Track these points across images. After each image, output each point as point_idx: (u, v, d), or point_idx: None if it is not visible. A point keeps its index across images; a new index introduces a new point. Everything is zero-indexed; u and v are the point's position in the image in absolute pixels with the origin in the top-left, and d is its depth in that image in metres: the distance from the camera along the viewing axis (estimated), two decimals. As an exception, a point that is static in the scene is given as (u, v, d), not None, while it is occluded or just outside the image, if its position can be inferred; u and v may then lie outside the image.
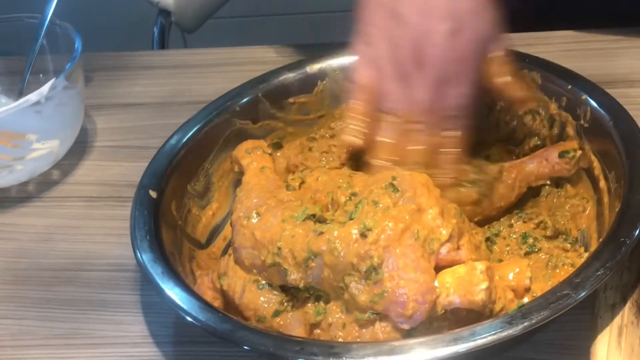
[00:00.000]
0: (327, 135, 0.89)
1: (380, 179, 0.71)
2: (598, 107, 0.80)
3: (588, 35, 1.05)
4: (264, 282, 0.72)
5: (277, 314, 0.71)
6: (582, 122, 0.81)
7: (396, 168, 0.73)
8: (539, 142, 0.85)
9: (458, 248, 0.68)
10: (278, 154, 0.90)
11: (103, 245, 0.89)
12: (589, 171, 0.80)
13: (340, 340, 0.68)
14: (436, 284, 0.66)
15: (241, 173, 0.81)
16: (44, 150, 0.95)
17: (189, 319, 0.69)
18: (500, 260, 0.77)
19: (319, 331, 0.69)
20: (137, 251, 0.75)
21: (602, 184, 0.78)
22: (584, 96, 0.82)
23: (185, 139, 0.87)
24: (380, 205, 0.68)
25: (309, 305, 0.70)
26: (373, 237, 0.66)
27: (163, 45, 1.52)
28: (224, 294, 0.74)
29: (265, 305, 0.71)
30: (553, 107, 0.84)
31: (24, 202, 0.97)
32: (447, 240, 0.67)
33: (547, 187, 0.83)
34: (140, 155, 0.99)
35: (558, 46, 1.03)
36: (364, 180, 0.73)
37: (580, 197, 0.81)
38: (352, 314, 0.68)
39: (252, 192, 0.75)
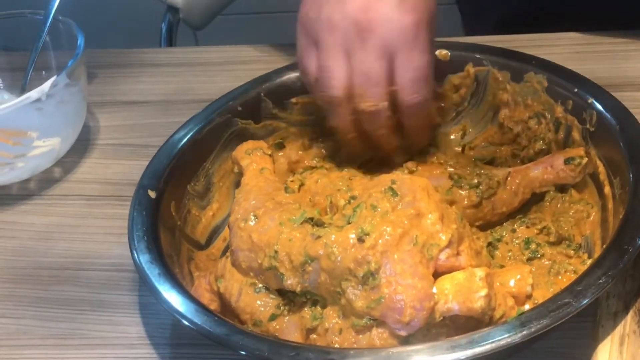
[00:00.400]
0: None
1: (379, 182, 0.70)
2: (604, 111, 0.79)
3: (596, 37, 1.04)
4: (260, 285, 0.71)
5: (273, 318, 0.70)
6: (588, 126, 0.80)
7: (397, 173, 0.72)
8: (544, 147, 0.84)
9: (458, 254, 0.67)
10: (280, 154, 0.89)
11: (103, 244, 0.89)
12: (594, 176, 0.79)
13: (336, 346, 0.67)
14: (435, 290, 0.65)
15: (241, 174, 0.80)
16: (45, 147, 0.94)
17: (184, 322, 0.68)
18: (502, 266, 0.76)
19: (315, 336, 0.68)
20: (134, 252, 0.75)
21: (607, 189, 0.77)
22: (590, 100, 0.80)
23: (186, 139, 0.86)
24: (379, 209, 0.67)
25: (306, 309, 0.69)
26: (370, 242, 0.65)
27: (171, 42, 1.51)
28: (221, 297, 0.73)
29: (262, 309, 0.70)
30: (559, 111, 0.83)
31: (24, 200, 0.96)
32: (447, 246, 0.66)
33: (551, 192, 0.81)
34: (142, 154, 0.98)
35: (566, 48, 1.02)
36: (364, 184, 0.72)
37: (585, 202, 0.79)
38: (349, 319, 0.67)
39: (251, 194, 0.74)
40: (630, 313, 0.68)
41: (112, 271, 0.85)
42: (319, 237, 0.67)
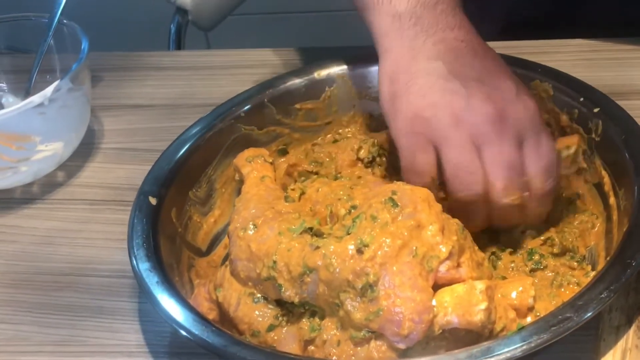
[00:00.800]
0: (330, 141, 0.88)
1: (380, 192, 0.69)
2: (610, 121, 0.78)
3: (604, 44, 1.03)
4: (259, 295, 0.70)
5: (271, 328, 0.69)
6: (593, 135, 0.79)
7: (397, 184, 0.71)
8: None
9: (458, 265, 0.67)
10: (282, 160, 0.89)
11: (104, 250, 0.88)
12: (599, 187, 0.78)
13: (334, 358, 0.66)
14: (434, 302, 0.64)
15: (242, 182, 0.80)
16: (48, 152, 0.94)
17: (181, 331, 0.68)
18: (504, 277, 0.75)
19: (313, 348, 0.68)
20: (134, 259, 0.74)
21: (612, 200, 0.76)
22: (596, 109, 0.80)
23: (188, 145, 0.85)
24: (379, 220, 0.66)
25: (304, 320, 0.69)
26: (369, 254, 0.64)
27: (179, 43, 1.51)
28: (219, 306, 0.73)
29: (260, 319, 0.70)
30: (564, 120, 0.82)
31: (27, 204, 0.96)
32: (447, 258, 0.66)
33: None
34: (145, 158, 0.97)
35: (573, 55, 1.01)
36: (365, 193, 0.71)
37: (590, 213, 0.79)
38: (348, 331, 0.66)
39: (251, 203, 0.74)
40: (633, 327, 0.68)
41: (113, 277, 0.85)
42: (317, 247, 0.66)
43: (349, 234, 0.67)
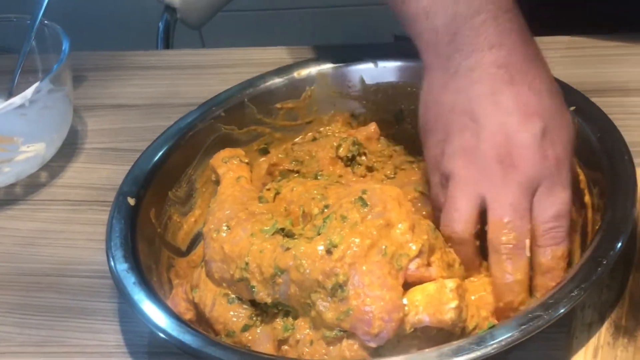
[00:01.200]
0: (310, 139, 0.88)
1: (351, 192, 0.69)
2: (586, 120, 0.78)
3: (585, 40, 1.03)
4: (233, 296, 0.71)
5: (246, 328, 0.70)
6: (569, 133, 0.79)
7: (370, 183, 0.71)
8: None
9: (429, 264, 0.67)
10: (263, 159, 0.89)
11: (85, 251, 0.88)
12: (574, 184, 0.78)
13: (307, 357, 0.66)
14: (405, 301, 0.65)
15: (219, 182, 0.80)
16: (30, 153, 0.95)
17: (157, 332, 0.68)
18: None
19: (287, 347, 0.68)
20: (111, 260, 0.75)
21: (586, 198, 0.76)
22: (572, 108, 0.80)
23: (167, 145, 0.86)
24: (348, 220, 0.67)
25: (278, 320, 0.69)
26: (338, 254, 0.65)
27: (168, 41, 1.51)
28: (196, 306, 0.73)
29: (235, 320, 0.70)
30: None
31: (10, 205, 0.96)
32: (417, 256, 0.66)
33: None
34: (127, 159, 0.97)
35: (553, 52, 1.01)
36: (338, 193, 0.71)
37: None
38: (320, 330, 0.66)
39: (225, 204, 0.74)
40: (606, 324, 0.68)
41: (94, 278, 0.85)
42: (288, 248, 0.66)
43: (319, 234, 0.67)
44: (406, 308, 0.64)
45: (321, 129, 0.93)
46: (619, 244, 0.67)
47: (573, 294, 0.64)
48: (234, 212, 0.72)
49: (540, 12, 1.04)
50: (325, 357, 0.66)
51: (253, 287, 0.68)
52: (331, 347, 0.66)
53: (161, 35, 1.51)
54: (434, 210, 0.75)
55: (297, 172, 0.87)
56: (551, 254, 0.69)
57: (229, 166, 0.79)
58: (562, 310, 0.63)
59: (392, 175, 0.83)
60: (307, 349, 0.67)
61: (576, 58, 1.00)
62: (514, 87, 0.70)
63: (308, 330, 0.67)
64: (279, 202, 0.74)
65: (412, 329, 0.65)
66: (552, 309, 0.63)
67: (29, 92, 0.89)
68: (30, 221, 0.94)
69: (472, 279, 0.71)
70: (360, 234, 0.65)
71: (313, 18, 2.26)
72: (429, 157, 0.74)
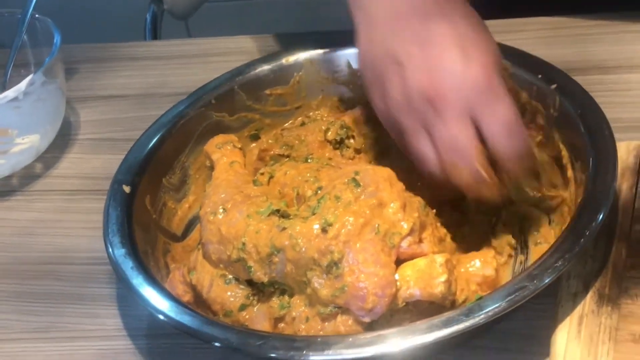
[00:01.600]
0: (299, 124, 0.90)
1: (343, 173, 0.72)
2: (567, 97, 0.81)
3: (564, 21, 1.05)
4: (230, 276, 0.73)
5: (243, 308, 0.72)
6: (551, 111, 0.81)
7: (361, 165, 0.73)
8: None
9: (420, 241, 0.69)
10: (253, 145, 0.91)
11: (82, 239, 0.90)
12: (557, 160, 0.81)
13: (303, 333, 0.69)
14: (397, 277, 0.67)
15: (212, 167, 0.82)
16: (25, 145, 0.96)
17: (157, 314, 0.70)
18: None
19: (283, 325, 0.70)
20: (109, 246, 0.76)
21: (569, 173, 0.78)
22: (554, 85, 0.82)
23: (160, 133, 0.88)
24: (342, 200, 0.69)
25: (274, 299, 0.71)
26: (333, 232, 0.67)
27: (156, 33, 1.53)
28: (193, 288, 0.75)
29: (232, 300, 0.72)
30: (524, 97, 0.84)
31: (7, 196, 0.98)
32: (408, 234, 0.68)
33: None
34: (121, 148, 0.99)
35: (534, 33, 1.03)
36: (330, 175, 0.74)
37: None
38: (315, 307, 0.69)
39: (220, 188, 0.76)
40: (590, 293, 0.70)
41: (92, 264, 0.87)
42: (284, 228, 0.69)
43: (314, 214, 0.69)
44: (398, 283, 0.67)
45: (310, 113, 0.94)
46: (601, 216, 0.69)
47: (557, 264, 0.66)
48: (229, 195, 0.74)
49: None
50: (321, 332, 0.68)
51: (250, 267, 0.70)
52: (326, 323, 0.68)
53: (149, 26, 1.53)
54: (411, 159, 0.75)
55: (288, 156, 0.89)
56: (519, 164, 0.71)
57: (223, 152, 0.81)
58: (546, 280, 0.65)
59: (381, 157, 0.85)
60: (303, 326, 0.69)
61: (556, 38, 1.03)
62: (430, 23, 0.72)
63: (304, 308, 0.69)
64: (273, 186, 0.77)
65: (404, 304, 0.67)
66: (537, 280, 0.65)
67: (22, 84, 0.91)
68: (27, 211, 0.95)
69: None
70: (354, 213, 0.67)
71: (298, 6, 2.28)
72: (380, 116, 0.76)
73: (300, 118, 0.94)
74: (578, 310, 0.69)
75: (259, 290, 0.72)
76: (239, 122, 0.92)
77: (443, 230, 0.73)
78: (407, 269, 0.67)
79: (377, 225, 0.67)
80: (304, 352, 0.64)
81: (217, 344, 0.67)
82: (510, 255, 0.78)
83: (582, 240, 0.67)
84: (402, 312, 0.68)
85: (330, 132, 0.88)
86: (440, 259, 0.67)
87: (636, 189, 0.77)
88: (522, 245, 0.79)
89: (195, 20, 1.65)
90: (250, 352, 0.66)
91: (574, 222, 0.69)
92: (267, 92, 0.93)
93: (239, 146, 0.84)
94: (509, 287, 0.65)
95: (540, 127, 0.82)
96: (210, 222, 0.73)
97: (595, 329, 0.67)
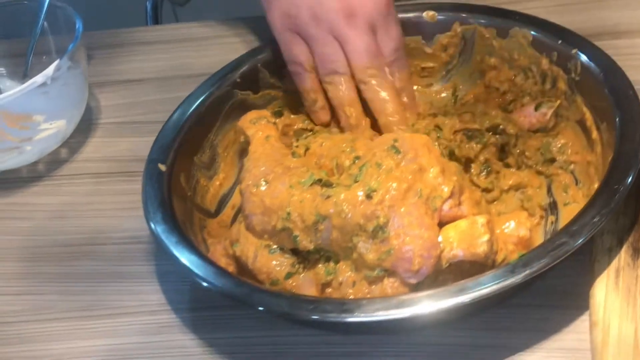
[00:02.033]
0: None
1: (382, 142, 0.74)
2: (588, 60, 0.83)
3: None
4: (275, 246, 0.75)
5: (289, 276, 0.74)
6: (573, 75, 0.84)
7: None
8: (531, 101, 0.88)
9: (459, 204, 0.71)
10: (277, 120, 0.93)
11: (114, 219, 0.92)
12: (581, 123, 0.83)
13: (351, 297, 0.71)
14: (440, 239, 0.69)
15: (247, 143, 0.84)
16: (52, 130, 0.97)
17: (205, 284, 0.72)
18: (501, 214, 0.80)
19: (330, 290, 0.72)
20: (151, 223, 0.78)
21: (594, 134, 0.81)
22: (574, 50, 0.84)
23: (188, 113, 0.89)
24: (383, 167, 0.71)
25: (320, 266, 0.73)
26: (378, 198, 0.69)
27: (157, 20, 1.54)
28: (237, 260, 0.77)
29: (278, 268, 0.74)
30: (544, 63, 0.86)
31: (35, 182, 0.99)
32: (449, 197, 0.70)
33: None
34: (144, 130, 1.01)
35: (545, 2, 1.05)
36: (367, 144, 0.76)
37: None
38: (361, 272, 0.71)
39: (259, 161, 0.78)
40: (624, 247, 0.73)
41: (126, 244, 0.89)
42: (329, 196, 0.71)
43: (356, 182, 0.71)
44: (442, 245, 0.69)
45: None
46: (632, 173, 0.71)
47: (595, 220, 0.68)
48: (269, 168, 0.76)
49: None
50: (368, 295, 0.70)
51: (296, 235, 0.72)
52: (373, 286, 0.70)
53: (150, 14, 1.54)
54: (288, 65, 0.90)
55: (311, 130, 0.91)
56: (400, 77, 0.88)
57: (258, 127, 0.83)
58: (585, 236, 0.68)
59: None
60: (350, 290, 0.71)
61: (567, 6, 1.05)
62: None
63: (350, 273, 0.72)
64: (310, 157, 0.79)
65: (448, 264, 0.70)
66: (576, 235, 0.68)
67: (50, 70, 0.92)
68: (57, 195, 0.97)
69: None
70: (397, 178, 0.70)
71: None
72: (274, 18, 0.90)
73: None
74: (614, 264, 0.72)
75: (304, 258, 0.74)
76: (263, 100, 0.94)
77: (478, 193, 0.75)
78: (450, 230, 0.69)
79: (419, 189, 0.70)
80: (355, 313, 0.66)
81: (269, 310, 0.69)
82: (541, 217, 0.80)
83: (617, 195, 0.69)
84: (445, 272, 0.70)
85: None
86: (481, 219, 0.69)
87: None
88: (552, 207, 0.81)
89: (184, 9, 1.66)
90: (302, 316, 0.68)
91: (607, 179, 0.72)
92: (289, 68, 0.94)
93: (273, 121, 0.85)
94: (550, 243, 0.68)
95: (562, 92, 0.85)
96: (253, 195, 0.75)
97: (632, 281, 0.70)
